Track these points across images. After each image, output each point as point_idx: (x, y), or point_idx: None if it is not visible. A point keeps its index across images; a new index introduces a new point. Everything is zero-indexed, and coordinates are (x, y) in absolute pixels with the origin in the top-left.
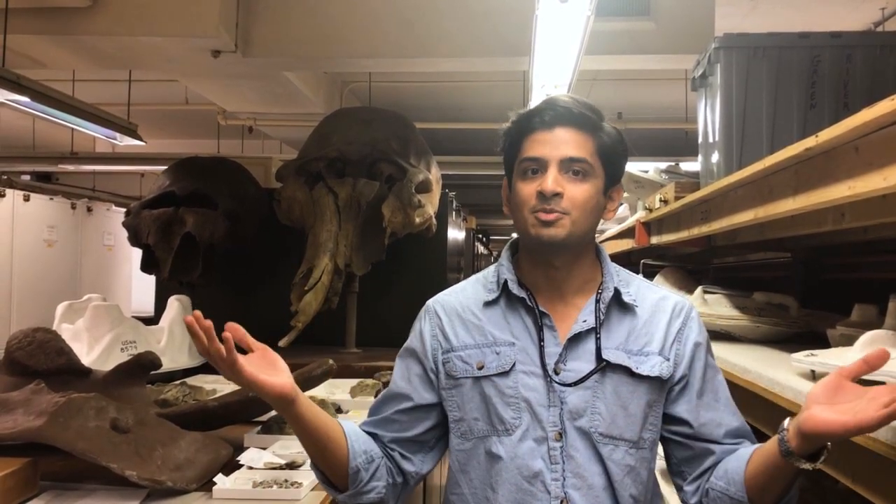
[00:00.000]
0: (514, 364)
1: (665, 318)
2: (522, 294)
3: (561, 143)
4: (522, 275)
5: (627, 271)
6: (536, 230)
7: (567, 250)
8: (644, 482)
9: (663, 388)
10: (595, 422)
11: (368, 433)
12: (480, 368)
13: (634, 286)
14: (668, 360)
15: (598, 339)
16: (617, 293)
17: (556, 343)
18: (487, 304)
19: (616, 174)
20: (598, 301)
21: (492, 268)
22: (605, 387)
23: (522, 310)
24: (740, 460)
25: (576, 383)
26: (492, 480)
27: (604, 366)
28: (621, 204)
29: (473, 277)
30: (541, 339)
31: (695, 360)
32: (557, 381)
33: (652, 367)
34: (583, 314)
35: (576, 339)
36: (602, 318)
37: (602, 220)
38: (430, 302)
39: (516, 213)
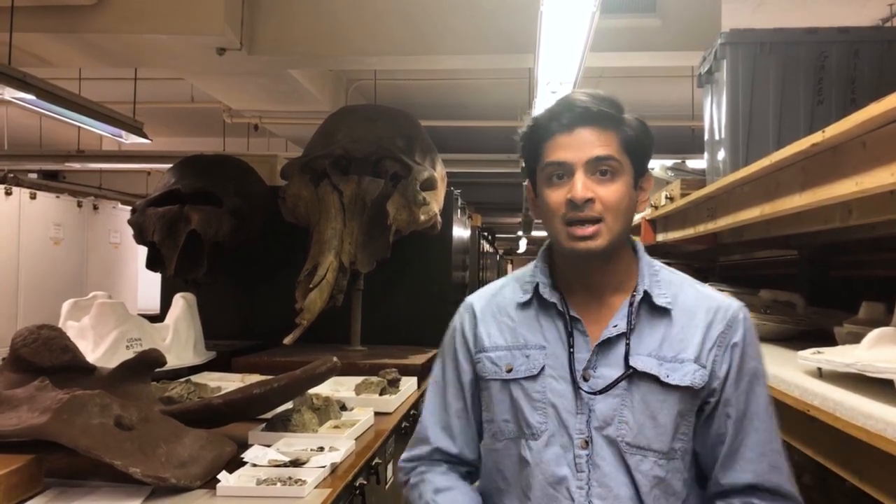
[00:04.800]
0: (542, 368)
1: (705, 320)
2: (553, 299)
3: (584, 145)
4: (558, 275)
5: (670, 269)
6: (571, 244)
7: (604, 256)
8: (678, 493)
9: (697, 396)
10: (622, 431)
11: (452, 459)
12: (509, 371)
13: (676, 285)
14: (704, 367)
15: (627, 346)
16: (647, 296)
17: (586, 349)
18: (521, 305)
19: (643, 165)
20: (631, 304)
21: (529, 266)
22: (634, 395)
23: (554, 313)
24: None
25: (602, 391)
26: (522, 483)
27: (631, 373)
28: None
29: (513, 275)
30: (570, 345)
31: (737, 371)
32: (585, 388)
33: (684, 375)
34: (615, 318)
35: (606, 345)
36: (633, 322)
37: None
38: (468, 299)
39: (546, 221)
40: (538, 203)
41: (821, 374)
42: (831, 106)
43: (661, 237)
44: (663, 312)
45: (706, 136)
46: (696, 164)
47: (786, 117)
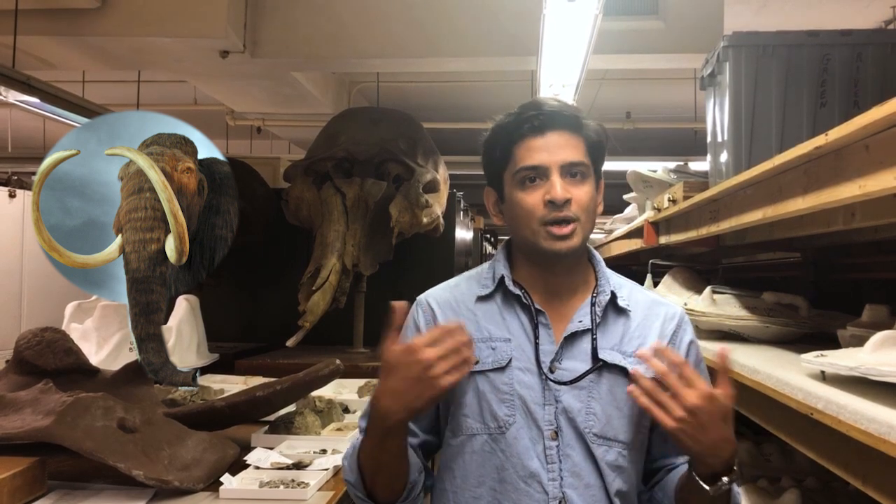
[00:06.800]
0: (510, 360)
1: (658, 321)
2: (518, 291)
3: (557, 148)
4: (518, 273)
5: (617, 275)
6: (551, 244)
7: (575, 256)
8: (631, 480)
9: None
10: (590, 422)
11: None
12: (476, 364)
13: (626, 290)
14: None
15: (594, 340)
16: (613, 297)
17: (551, 342)
18: (481, 298)
19: (601, 168)
20: (593, 304)
21: (486, 264)
22: (601, 387)
23: (518, 307)
24: (676, 473)
25: (571, 382)
26: (482, 479)
27: (600, 366)
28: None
29: (466, 274)
30: (536, 337)
31: (688, 359)
32: (553, 379)
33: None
34: (578, 315)
35: (571, 339)
36: (598, 319)
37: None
38: (420, 297)
39: (519, 223)
40: (506, 207)
41: (824, 377)
42: (834, 109)
43: (663, 240)
44: (622, 312)
45: (708, 139)
46: (699, 166)
47: (788, 120)
